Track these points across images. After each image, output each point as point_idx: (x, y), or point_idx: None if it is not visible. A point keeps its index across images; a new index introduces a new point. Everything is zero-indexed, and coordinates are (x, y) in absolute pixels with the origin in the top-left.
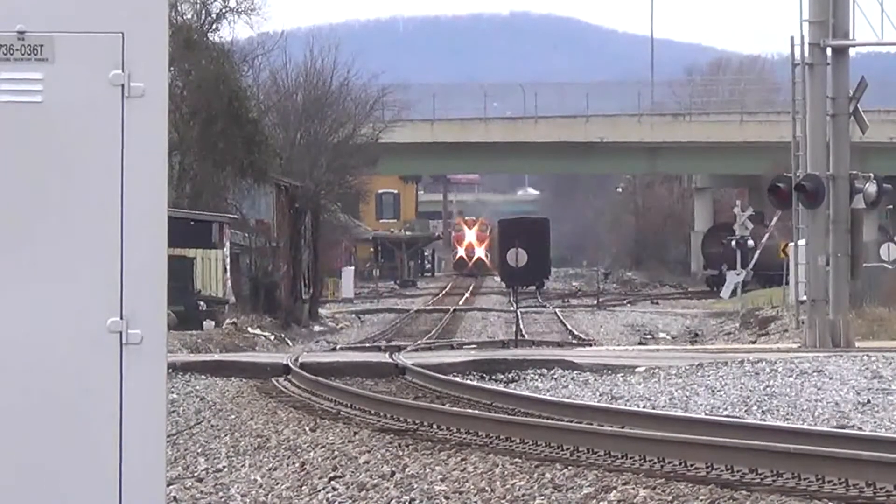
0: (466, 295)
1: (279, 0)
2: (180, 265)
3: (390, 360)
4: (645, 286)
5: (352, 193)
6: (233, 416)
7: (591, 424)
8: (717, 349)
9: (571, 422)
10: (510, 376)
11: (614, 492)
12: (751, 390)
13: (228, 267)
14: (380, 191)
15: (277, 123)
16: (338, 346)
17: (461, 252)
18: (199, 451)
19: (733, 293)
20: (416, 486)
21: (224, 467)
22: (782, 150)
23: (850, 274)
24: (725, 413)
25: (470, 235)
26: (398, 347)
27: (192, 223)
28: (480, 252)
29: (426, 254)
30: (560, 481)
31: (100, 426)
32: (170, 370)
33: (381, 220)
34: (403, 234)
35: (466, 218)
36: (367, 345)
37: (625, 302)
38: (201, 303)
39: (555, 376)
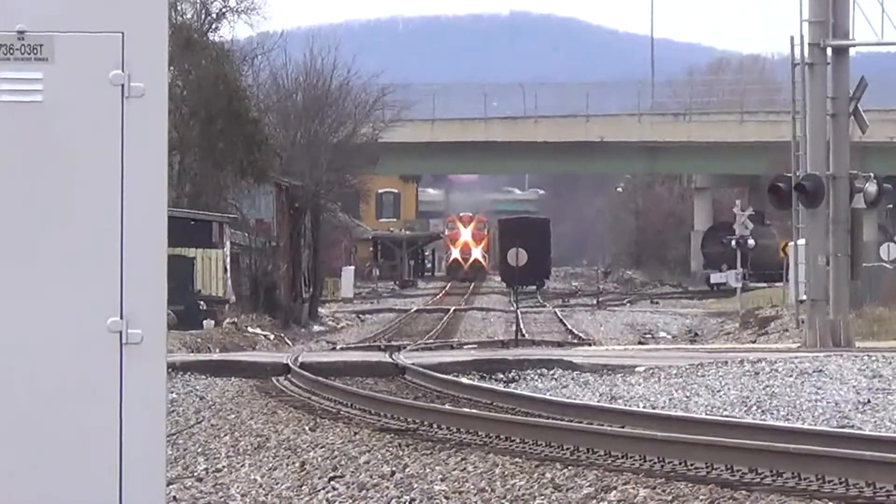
0: (466, 295)
1: (279, 0)
2: (180, 265)
3: (390, 360)
4: (645, 286)
5: (352, 193)
6: (233, 416)
7: (592, 424)
8: (716, 349)
9: (571, 422)
10: (510, 376)
11: (614, 492)
12: (751, 390)
13: (228, 266)
14: (380, 190)
15: (277, 123)
16: (338, 346)
17: (456, 254)
18: (199, 450)
19: (722, 286)
20: (416, 485)
21: (224, 467)
22: (782, 149)
23: (850, 274)
24: (725, 413)
25: (465, 234)
26: (398, 347)
27: (192, 223)
28: (478, 253)
29: (426, 254)
30: (560, 481)
31: (100, 426)
32: (170, 370)
33: (381, 220)
34: (403, 233)
35: (461, 214)
36: (367, 344)
37: (625, 301)
38: (201, 302)
39: (555, 376)
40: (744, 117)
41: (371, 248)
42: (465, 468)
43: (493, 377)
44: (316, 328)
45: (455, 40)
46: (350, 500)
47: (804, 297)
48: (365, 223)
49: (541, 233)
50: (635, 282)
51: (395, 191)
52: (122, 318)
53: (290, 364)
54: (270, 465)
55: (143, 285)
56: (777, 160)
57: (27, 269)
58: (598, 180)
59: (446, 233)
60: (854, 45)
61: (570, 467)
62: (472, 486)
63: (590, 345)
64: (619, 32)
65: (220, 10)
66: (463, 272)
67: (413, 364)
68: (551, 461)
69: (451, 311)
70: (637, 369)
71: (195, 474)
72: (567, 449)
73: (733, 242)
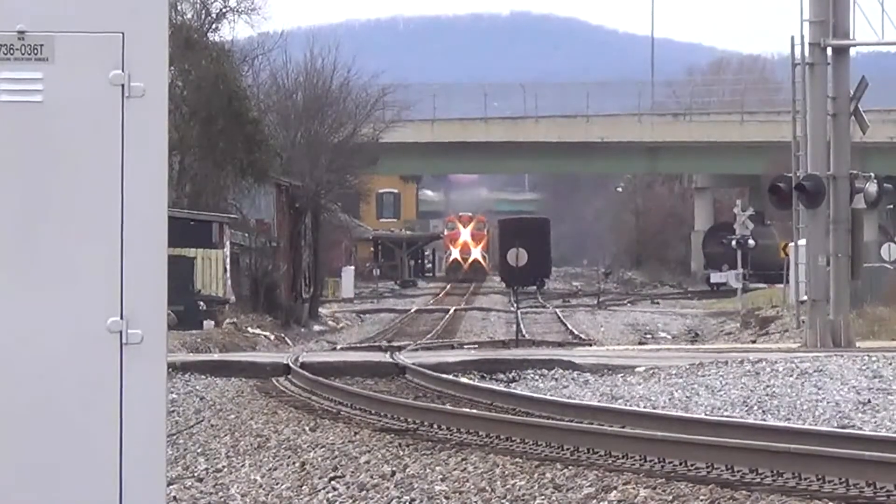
0: (467, 295)
1: (279, 0)
2: (180, 265)
3: (390, 360)
4: (645, 286)
5: (352, 193)
6: (233, 416)
7: (592, 424)
8: (717, 349)
9: (572, 422)
10: (510, 376)
11: (615, 492)
12: (751, 390)
13: (228, 267)
14: (380, 190)
15: (277, 123)
16: (338, 346)
17: (455, 254)
18: (199, 450)
19: (722, 287)
20: (416, 485)
21: (224, 467)
22: (782, 149)
23: (850, 274)
24: (726, 413)
25: (465, 234)
26: (398, 347)
27: (192, 223)
28: (477, 253)
29: (426, 253)
30: (560, 481)
31: (100, 426)
32: (170, 370)
33: (381, 220)
34: (404, 233)
35: (461, 214)
36: (368, 344)
37: (625, 302)
38: (201, 302)
39: (555, 376)
40: (744, 117)
41: (371, 248)
42: (465, 468)
43: (494, 377)
44: (316, 328)
45: (455, 40)
46: (350, 501)
47: (805, 298)
48: (365, 223)
49: (541, 233)
50: (635, 282)
51: (396, 191)
52: (122, 318)
53: (291, 364)
54: (270, 465)
55: (143, 285)
56: (777, 160)
57: (27, 269)
58: (598, 180)
59: (445, 233)
60: (854, 45)
61: (570, 467)
62: (472, 487)
63: (590, 345)
64: (619, 32)
65: (220, 10)
66: (462, 272)
67: (413, 364)
68: (551, 461)
69: (452, 311)
70: (637, 369)
71: (195, 474)
72: (567, 449)
73: (734, 242)
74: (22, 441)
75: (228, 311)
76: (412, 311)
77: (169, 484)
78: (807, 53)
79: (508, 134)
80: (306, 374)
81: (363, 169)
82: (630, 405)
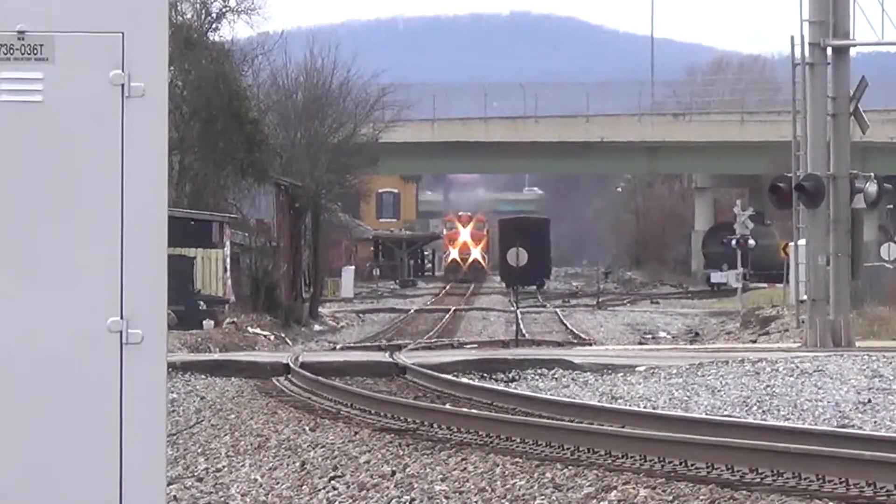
0: (467, 295)
1: (279, 0)
2: (180, 265)
3: (390, 360)
4: (645, 286)
5: (352, 193)
6: (233, 416)
7: (592, 424)
8: (717, 349)
9: (572, 421)
10: (510, 376)
11: (615, 491)
12: (751, 390)
13: (228, 266)
14: (380, 190)
15: (277, 123)
16: (338, 346)
17: (454, 254)
18: (199, 450)
19: (723, 286)
20: (416, 485)
21: (224, 467)
22: (783, 149)
23: (850, 274)
24: (726, 413)
25: (464, 234)
26: (398, 347)
27: (192, 223)
28: (477, 253)
29: (426, 253)
30: (560, 481)
31: (100, 426)
32: (170, 370)
33: (381, 220)
34: (403, 233)
35: (460, 214)
36: (368, 344)
37: (625, 301)
38: (201, 302)
39: (555, 376)
40: (744, 117)
41: (371, 248)
42: (465, 468)
43: (494, 377)
44: (316, 328)
45: (455, 40)
46: (350, 500)
47: (805, 297)
48: (365, 223)
49: (541, 233)
50: (635, 282)
51: (395, 191)
52: (122, 318)
53: (291, 364)
54: (271, 464)
55: (143, 285)
56: (777, 160)
57: (27, 269)
58: (598, 180)
59: (445, 233)
60: (854, 45)
61: (570, 467)
62: (472, 486)
63: (590, 345)
64: (619, 32)
65: (220, 10)
66: (461, 272)
67: (413, 364)
68: (551, 461)
69: (452, 310)
70: (637, 369)
71: (195, 474)
72: (567, 449)
73: (734, 242)
74: (22, 441)
75: (228, 310)
76: (412, 310)
77: (169, 484)
78: (807, 53)
79: (508, 134)
80: (306, 373)
81: (363, 169)
82: (630, 405)
